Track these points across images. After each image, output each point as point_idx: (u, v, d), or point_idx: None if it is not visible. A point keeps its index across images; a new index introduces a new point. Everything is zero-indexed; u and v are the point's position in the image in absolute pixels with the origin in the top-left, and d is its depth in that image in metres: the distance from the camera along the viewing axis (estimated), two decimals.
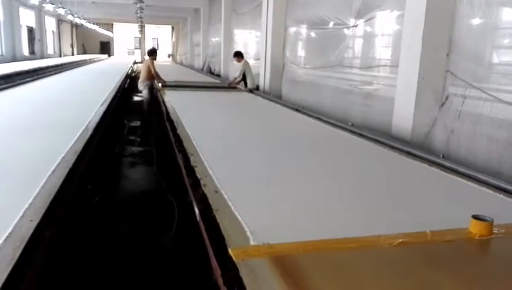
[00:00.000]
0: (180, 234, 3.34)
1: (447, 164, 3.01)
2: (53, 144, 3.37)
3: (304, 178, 2.76)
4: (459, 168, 2.89)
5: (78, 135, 3.63)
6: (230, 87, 9.11)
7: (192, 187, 2.54)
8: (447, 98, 4.37)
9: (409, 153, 3.41)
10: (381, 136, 4.04)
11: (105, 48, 41.27)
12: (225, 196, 2.26)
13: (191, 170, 2.79)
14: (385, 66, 5.78)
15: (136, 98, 11.38)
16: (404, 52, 4.63)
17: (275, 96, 7.82)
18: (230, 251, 1.64)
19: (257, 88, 8.95)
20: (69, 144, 3.28)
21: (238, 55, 9.17)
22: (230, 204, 2.15)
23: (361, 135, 4.07)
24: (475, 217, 1.87)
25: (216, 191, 2.34)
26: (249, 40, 12.34)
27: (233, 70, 12.85)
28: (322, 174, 2.87)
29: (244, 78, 8.91)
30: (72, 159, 2.90)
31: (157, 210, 3.97)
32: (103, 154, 4.86)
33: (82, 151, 3.19)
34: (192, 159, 3.00)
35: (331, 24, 7.23)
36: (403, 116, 4.57)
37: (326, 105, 6.82)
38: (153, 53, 9.23)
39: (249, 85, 8.85)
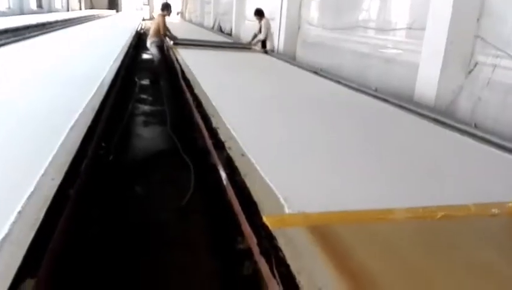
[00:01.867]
0: (197, 197, 3.27)
1: (479, 133, 2.88)
2: (69, 99, 3.27)
3: (331, 143, 2.65)
4: (492, 139, 2.76)
5: (94, 92, 3.52)
6: (246, 47, 8.67)
7: (216, 150, 2.44)
8: (475, 65, 4.18)
9: (437, 121, 3.28)
10: (407, 102, 3.89)
11: (113, 3, 40.36)
12: (252, 160, 2.16)
13: (213, 132, 2.69)
14: (409, 28, 5.54)
15: (145, 56, 11.13)
16: (432, 15, 4.41)
17: (289, 58, 7.60)
18: (264, 219, 1.56)
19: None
20: (85, 100, 3.18)
21: (259, 13, 8.23)
22: (258, 168, 2.06)
23: (385, 101, 3.92)
24: None
25: (242, 155, 2.24)
26: None
27: (246, 29, 12.51)
28: (351, 141, 2.75)
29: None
30: (90, 116, 2.81)
31: (173, 171, 3.89)
32: (117, 112, 4.75)
33: (99, 108, 3.09)
34: (213, 120, 2.89)
35: None
36: (427, 82, 4.40)
37: (343, 68, 6.62)
38: (165, 8, 8.60)
39: (269, 46, 8.48)
